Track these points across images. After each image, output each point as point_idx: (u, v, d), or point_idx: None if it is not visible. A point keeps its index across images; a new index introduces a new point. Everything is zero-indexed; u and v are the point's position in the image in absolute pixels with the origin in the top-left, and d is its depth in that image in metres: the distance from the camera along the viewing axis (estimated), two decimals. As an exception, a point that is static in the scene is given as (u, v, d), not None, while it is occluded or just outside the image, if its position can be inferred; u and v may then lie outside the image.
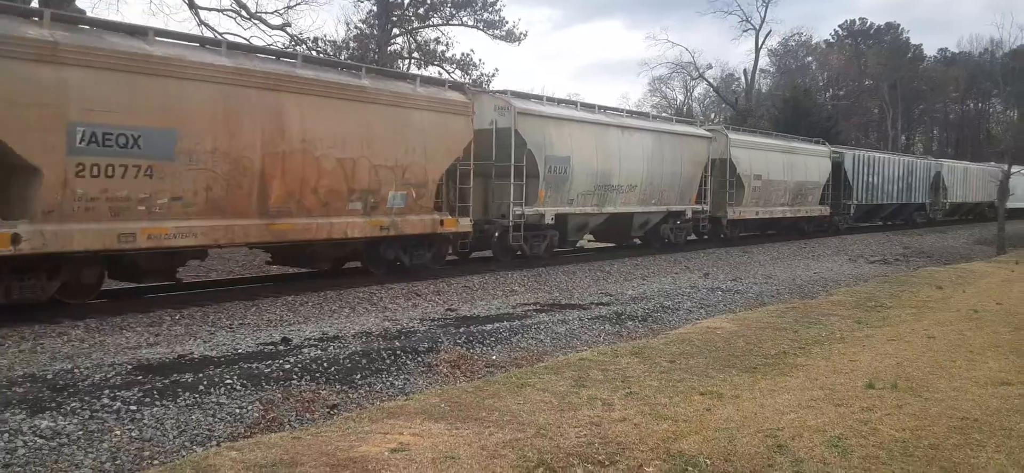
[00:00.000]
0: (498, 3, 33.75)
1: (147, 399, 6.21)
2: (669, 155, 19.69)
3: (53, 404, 5.93)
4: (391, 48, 32.81)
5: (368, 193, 12.36)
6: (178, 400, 6.30)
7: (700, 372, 6.98)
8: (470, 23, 33.92)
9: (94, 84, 8.98)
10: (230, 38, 21.13)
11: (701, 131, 22.30)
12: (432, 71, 31.24)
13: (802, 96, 45.91)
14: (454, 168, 14.09)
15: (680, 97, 64.03)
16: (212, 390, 6.58)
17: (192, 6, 23.87)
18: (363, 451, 4.69)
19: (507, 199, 15.27)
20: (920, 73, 69.12)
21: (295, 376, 7.14)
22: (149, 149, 9.50)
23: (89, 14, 18.07)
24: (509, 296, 12.90)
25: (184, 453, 5.42)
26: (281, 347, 8.18)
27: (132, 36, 9.75)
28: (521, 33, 34.48)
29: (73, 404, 5.95)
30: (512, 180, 15.15)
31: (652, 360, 7.37)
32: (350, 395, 7.00)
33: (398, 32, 33.45)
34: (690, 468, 4.62)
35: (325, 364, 7.53)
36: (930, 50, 74.58)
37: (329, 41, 30.80)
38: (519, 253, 16.09)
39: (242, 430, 5.94)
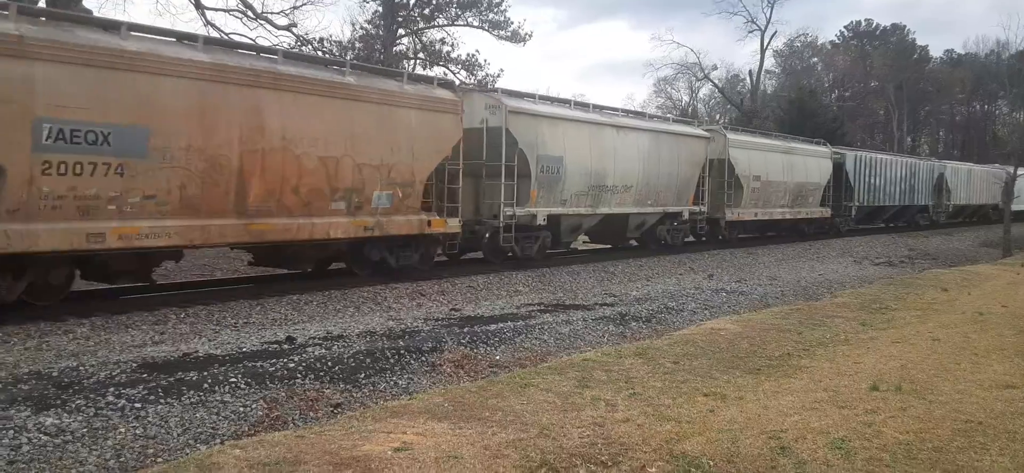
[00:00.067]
0: (503, 3, 33.84)
1: (152, 397, 6.23)
2: (666, 155, 19.45)
3: (58, 401, 5.96)
4: (396, 48, 32.86)
5: (352, 192, 12.09)
6: (182, 398, 6.32)
7: (704, 373, 6.97)
8: (475, 24, 33.98)
9: (62, 79, 8.74)
10: (234, 39, 21.20)
11: (699, 131, 22.00)
12: (437, 71, 31.26)
13: (807, 97, 45.85)
14: (443, 167, 13.80)
15: (685, 98, 64.14)
16: (216, 388, 6.60)
17: (198, 6, 23.96)
18: (366, 450, 4.70)
19: (498, 199, 15.03)
20: (926, 74, 68.92)
21: (299, 375, 7.16)
22: (120, 146, 9.23)
23: (95, 14, 18.15)
24: (513, 296, 12.91)
25: (188, 451, 5.44)
26: (285, 346, 8.20)
27: (105, 31, 9.54)
28: (526, 34, 34.53)
29: (78, 401, 5.98)
30: (503, 180, 14.93)
31: (656, 361, 7.36)
32: (354, 394, 7.01)
33: (404, 32, 33.50)
34: (693, 469, 4.61)
35: (329, 363, 7.54)
36: (936, 51, 74.45)
37: (335, 41, 30.92)
38: (510, 255, 15.84)
39: (246, 428, 5.96)
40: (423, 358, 8.14)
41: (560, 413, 5.60)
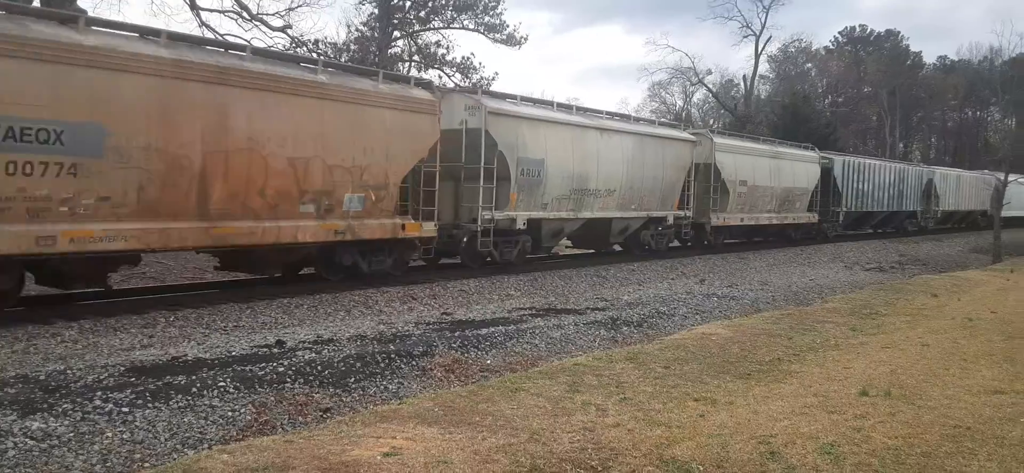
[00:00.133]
0: (499, 6, 33.84)
1: (139, 401, 6.19)
2: (650, 159, 19.20)
3: (45, 405, 5.91)
4: (392, 51, 32.85)
5: (322, 195, 11.77)
6: (170, 402, 6.28)
7: (694, 378, 6.98)
8: (471, 26, 33.98)
9: (11, 75, 8.39)
10: (229, 39, 21.15)
11: (685, 134, 21.78)
12: (432, 74, 31.26)
13: (801, 103, 46.02)
14: (419, 169, 13.49)
15: (680, 102, 64.28)
16: (205, 392, 6.56)
17: (193, 7, 23.88)
18: (355, 455, 4.68)
19: (477, 203, 14.71)
20: (919, 80, 69.32)
21: (288, 379, 7.13)
22: (73, 145, 8.85)
23: (90, 14, 18.05)
24: (505, 300, 12.89)
25: (175, 456, 5.40)
26: (275, 350, 8.16)
27: (62, 25, 9.17)
28: (522, 37, 34.52)
29: (65, 405, 5.93)
30: (482, 183, 14.66)
31: (647, 366, 7.36)
32: (343, 398, 6.98)
33: (399, 35, 33.49)
34: (682, 475, 4.61)
35: (319, 367, 7.51)
36: (930, 58, 74.76)
37: (330, 43, 30.88)
38: (488, 260, 15.56)
39: (234, 433, 5.92)
40: (413, 362, 8.12)
41: (550, 418, 5.59)
